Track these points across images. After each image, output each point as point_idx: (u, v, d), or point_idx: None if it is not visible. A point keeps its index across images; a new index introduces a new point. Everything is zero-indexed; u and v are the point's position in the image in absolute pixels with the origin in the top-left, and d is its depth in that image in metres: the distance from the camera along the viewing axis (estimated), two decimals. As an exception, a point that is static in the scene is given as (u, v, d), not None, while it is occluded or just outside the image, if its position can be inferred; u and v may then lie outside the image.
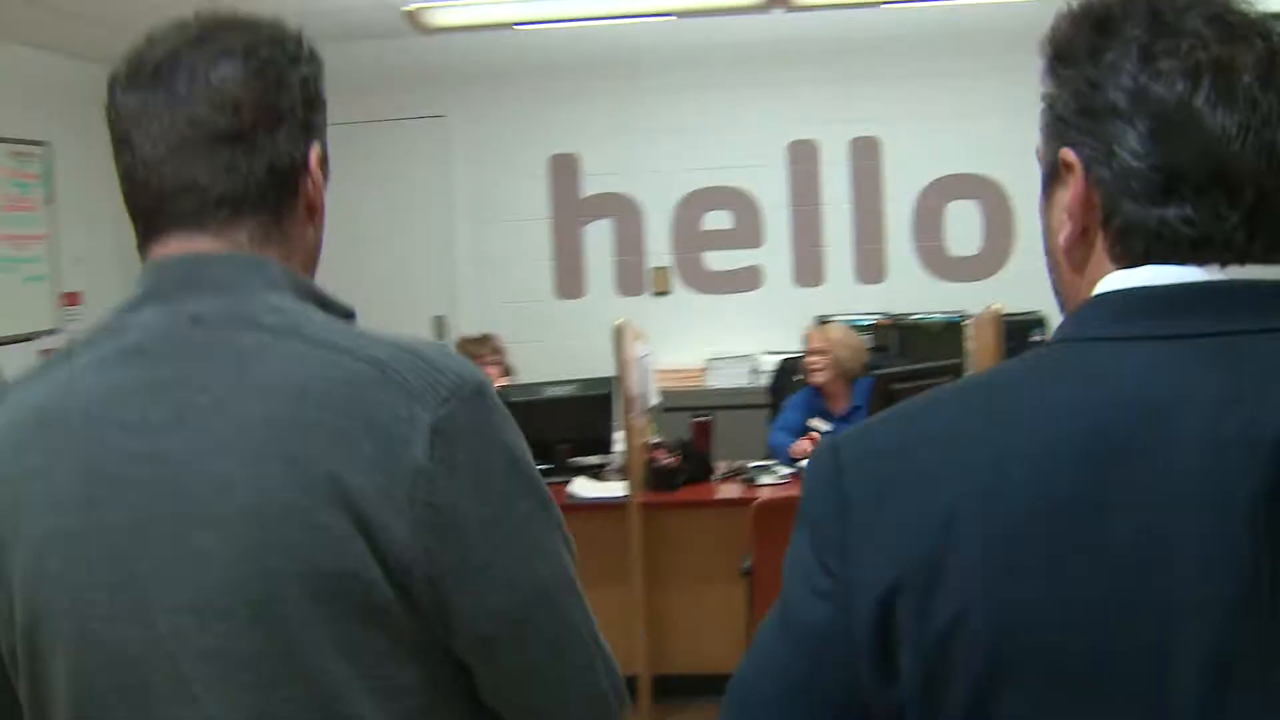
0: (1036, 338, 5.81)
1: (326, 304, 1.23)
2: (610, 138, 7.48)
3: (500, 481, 1.16)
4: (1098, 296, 0.97)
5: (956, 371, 5.35)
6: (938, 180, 7.36)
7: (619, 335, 4.93)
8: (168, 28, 1.22)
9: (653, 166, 7.43)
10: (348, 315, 1.23)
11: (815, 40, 7.24)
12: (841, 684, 0.94)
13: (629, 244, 7.56)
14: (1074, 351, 0.96)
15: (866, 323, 6.97)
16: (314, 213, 1.26)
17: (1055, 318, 1.06)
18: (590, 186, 7.55)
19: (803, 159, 7.43)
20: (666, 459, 5.14)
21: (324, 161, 1.26)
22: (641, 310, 7.24)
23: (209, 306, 1.17)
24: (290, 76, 1.22)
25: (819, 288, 7.44)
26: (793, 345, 6.87)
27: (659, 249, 7.51)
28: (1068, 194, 0.99)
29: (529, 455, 1.21)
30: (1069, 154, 0.99)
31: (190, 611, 1.10)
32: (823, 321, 6.93)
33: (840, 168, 7.41)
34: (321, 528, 1.09)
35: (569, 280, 7.61)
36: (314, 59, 1.27)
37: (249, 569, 1.10)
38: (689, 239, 7.48)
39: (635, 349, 5.07)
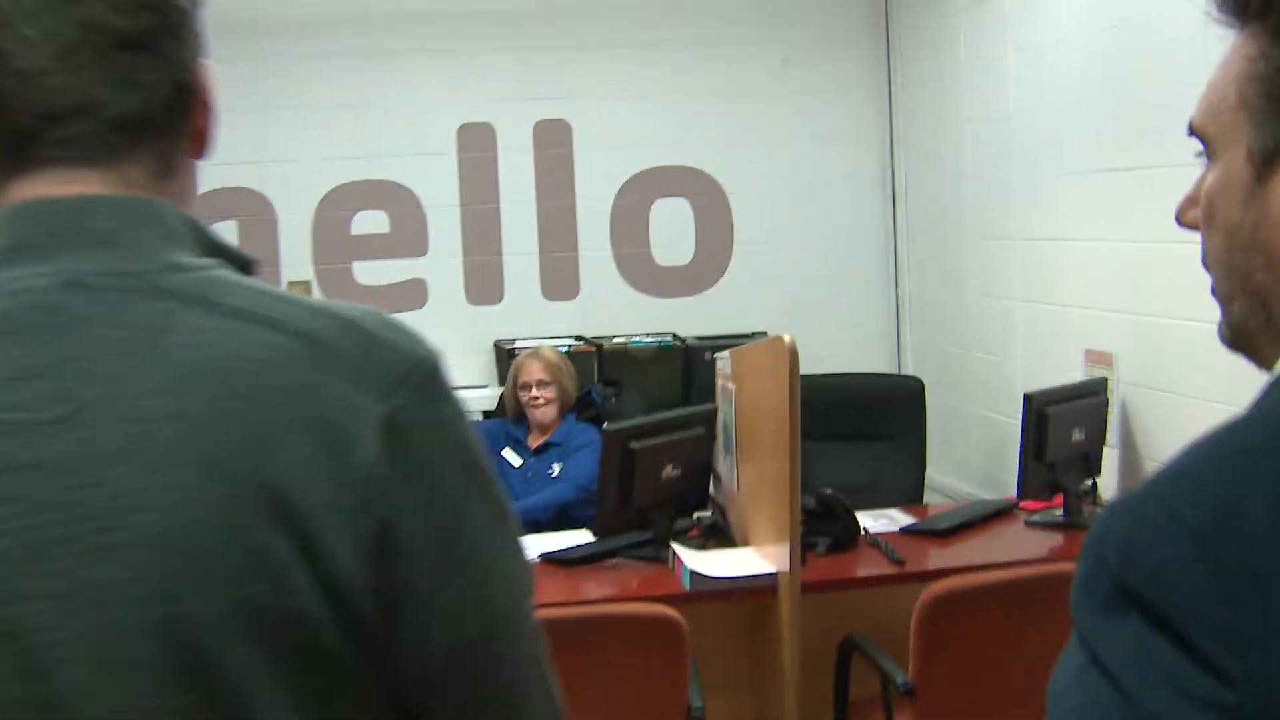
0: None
1: (230, 257, 1.07)
2: (229, 118, 5.85)
3: (455, 488, 1.03)
4: None
5: (708, 422, 4.10)
6: (641, 174, 6.32)
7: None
8: None
9: (287, 154, 6.09)
10: (245, 267, 1.07)
11: (491, -1, 6.10)
12: None
13: (258, 252, 5.87)
14: None
15: (559, 348, 5.73)
16: (204, 146, 1.12)
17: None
18: (206, 179, 5.91)
19: (476, 146, 6.23)
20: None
21: None
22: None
23: (93, 266, 1.00)
24: None
25: (497, 305, 6.29)
26: (469, 376, 5.86)
27: (296, 259, 6.18)
28: None
29: (483, 451, 1.07)
30: None
31: (90, 664, 0.94)
32: (504, 347, 5.75)
33: (523, 157, 6.27)
34: (256, 552, 0.94)
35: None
36: None
37: (164, 609, 0.94)
38: (334, 246, 6.20)
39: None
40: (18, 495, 0.96)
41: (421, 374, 1.03)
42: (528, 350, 5.12)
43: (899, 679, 3.38)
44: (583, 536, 4.03)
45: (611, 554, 3.88)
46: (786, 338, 3.48)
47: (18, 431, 0.96)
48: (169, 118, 1.07)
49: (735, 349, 4.14)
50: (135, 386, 0.97)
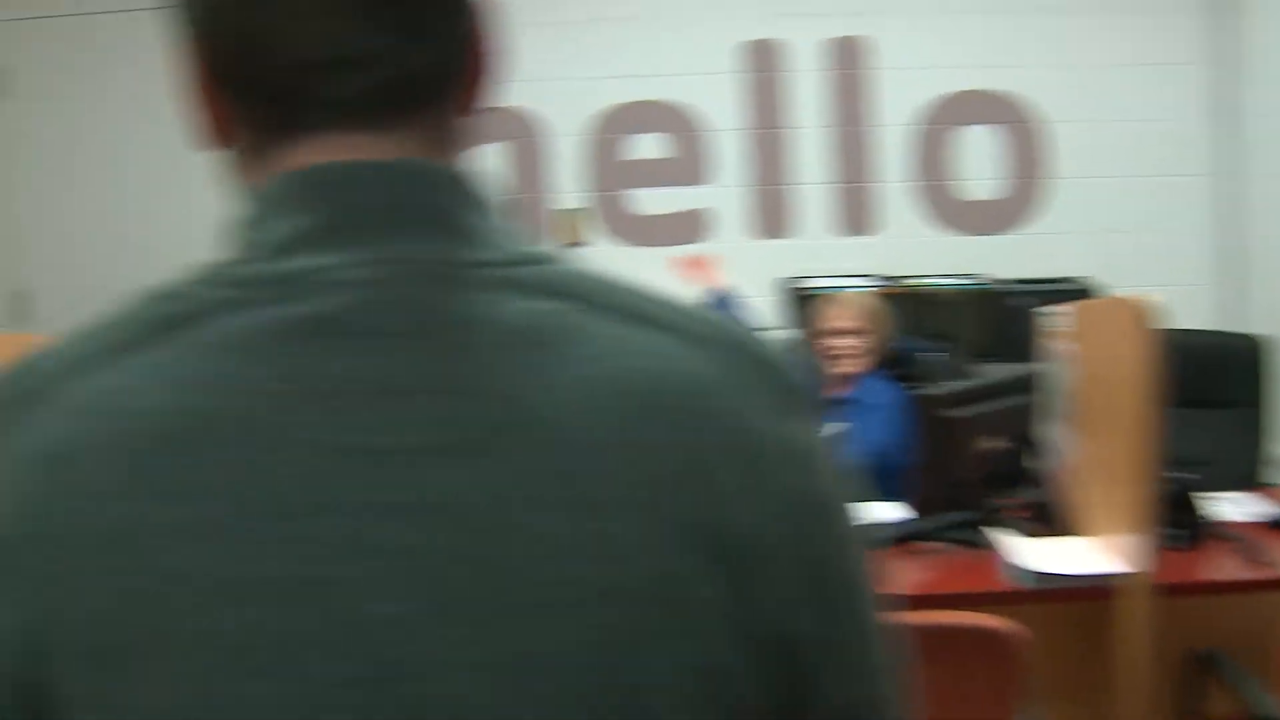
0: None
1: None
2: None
3: (844, 524, 0.90)
4: None
5: (1031, 387, 3.52)
6: (944, 98, 5.68)
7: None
8: None
9: (558, 72, 5.65)
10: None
11: (784, -100, 5.55)
12: None
13: (527, 177, 5.80)
14: None
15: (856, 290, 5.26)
16: (476, 105, 0.93)
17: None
18: None
19: (762, 65, 5.69)
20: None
21: None
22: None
23: (436, 252, 0.84)
24: None
25: (786, 240, 5.74)
26: (760, 320, 5.36)
27: (568, 184, 5.77)
28: None
29: None
30: None
31: None
32: (792, 286, 5.28)
33: (813, 78, 5.69)
34: (699, 603, 0.81)
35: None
36: None
37: (604, 677, 0.79)
38: (609, 172, 5.75)
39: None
40: (417, 545, 0.79)
41: (808, 390, 0.92)
42: (834, 293, 4.55)
43: (1270, 713, 2.79)
44: (885, 510, 3.51)
45: (926, 535, 3.35)
46: (1146, 297, 2.88)
47: (403, 463, 0.79)
48: (457, 72, 0.91)
49: (1081, 304, 3.53)
50: (543, 408, 0.82)
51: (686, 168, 5.73)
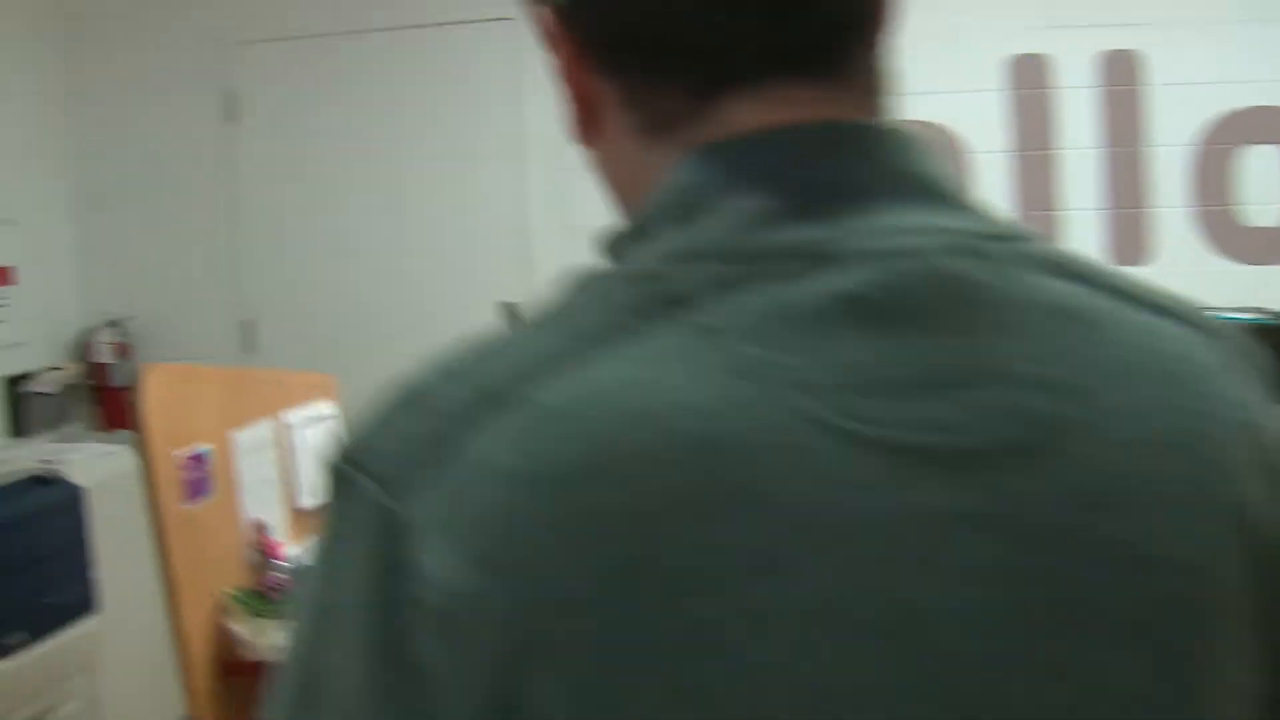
0: None
1: None
2: None
3: None
4: None
5: None
6: (1225, 115, 5.26)
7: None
8: None
9: None
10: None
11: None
12: None
13: None
14: None
15: None
16: (889, 46, 0.82)
17: None
18: None
19: (1029, 82, 5.34)
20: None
21: None
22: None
23: (965, 224, 0.75)
24: None
25: None
26: None
27: None
28: None
29: None
30: None
31: None
32: None
33: (1083, 96, 5.32)
34: (1245, 619, 0.74)
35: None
36: None
37: (1206, 711, 0.72)
38: None
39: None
40: (986, 564, 0.67)
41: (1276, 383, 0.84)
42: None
43: None
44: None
45: None
46: None
47: (960, 464, 0.68)
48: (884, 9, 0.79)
49: None
50: (1109, 400, 0.73)
51: (945, 191, 5.37)
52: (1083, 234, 5.31)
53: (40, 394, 5.19)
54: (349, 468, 0.70)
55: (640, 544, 0.64)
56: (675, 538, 0.64)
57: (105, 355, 5.47)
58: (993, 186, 5.32)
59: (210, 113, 5.63)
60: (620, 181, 0.82)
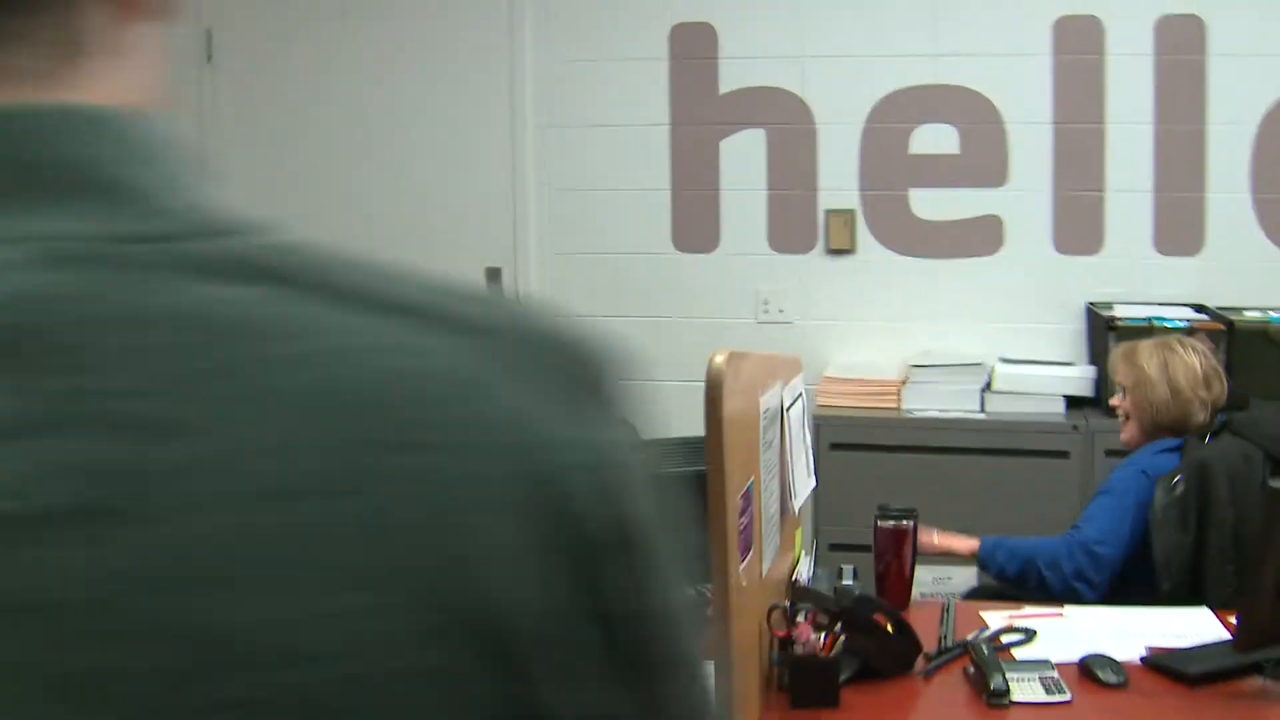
0: None
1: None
2: (764, 3, 5.22)
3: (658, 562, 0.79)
4: None
5: None
6: None
7: (714, 379, 2.37)
8: None
9: (832, 49, 5.16)
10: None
11: None
12: None
13: (790, 171, 5.26)
14: None
15: (1173, 322, 4.60)
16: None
17: None
18: (731, 77, 5.28)
19: (1077, 48, 5.01)
20: (812, 638, 2.62)
21: None
22: (807, 277, 5.18)
23: (87, 226, 0.66)
24: None
25: (1095, 255, 5.07)
26: (1051, 349, 4.95)
27: (839, 182, 5.23)
28: None
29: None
30: None
31: None
32: (1100, 312, 4.70)
33: (1136, 65, 4.99)
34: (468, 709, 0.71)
35: (692, 226, 5.42)
36: None
37: None
38: (887, 167, 5.19)
39: (765, 393, 2.82)
40: (16, 659, 0.61)
41: (615, 382, 0.75)
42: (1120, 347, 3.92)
43: None
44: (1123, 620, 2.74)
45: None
46: None
47: (19, 539, 0.61)
48: None
49: None
50: (232, 440, 0.63)
51: (979, 166, 5.14)
52: (1130, 218, 5.03)
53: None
54: None
55: None
56: None
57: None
58: (1030, 161, 5.07)
59: (187, 53, 5.45)
60: None
